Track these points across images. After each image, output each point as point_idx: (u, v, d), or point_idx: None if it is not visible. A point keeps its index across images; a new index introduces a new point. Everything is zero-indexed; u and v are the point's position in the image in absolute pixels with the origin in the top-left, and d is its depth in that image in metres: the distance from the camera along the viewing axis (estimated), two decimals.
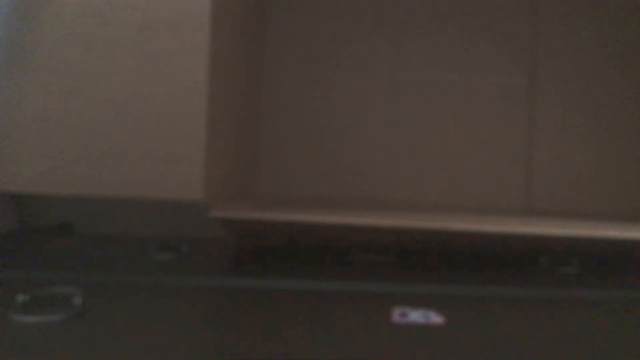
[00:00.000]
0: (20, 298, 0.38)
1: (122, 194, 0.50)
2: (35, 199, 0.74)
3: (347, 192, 0.80)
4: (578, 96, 0.81)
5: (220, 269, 0.58)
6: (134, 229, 0.74)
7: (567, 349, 0.34)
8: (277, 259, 0.60)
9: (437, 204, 0.80)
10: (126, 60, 0.50)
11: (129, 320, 0.37)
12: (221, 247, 0.66)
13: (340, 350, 0.32)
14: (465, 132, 0.81)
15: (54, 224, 0.73)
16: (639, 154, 0.81)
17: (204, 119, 0.50)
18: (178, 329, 0.36)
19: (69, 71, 0.50)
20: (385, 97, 0.82)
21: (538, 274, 0.57)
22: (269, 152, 0.81)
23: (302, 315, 0.40)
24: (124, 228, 0.74)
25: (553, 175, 0.81)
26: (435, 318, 0.39)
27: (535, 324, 0.40)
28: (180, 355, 0.31)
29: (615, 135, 0.81)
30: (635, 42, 0.81)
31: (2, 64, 0.50)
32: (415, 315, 0.39)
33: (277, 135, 0.81)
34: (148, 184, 0.50)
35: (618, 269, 0.61)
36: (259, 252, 0.64)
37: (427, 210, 0.74)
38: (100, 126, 0.50)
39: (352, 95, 0.82)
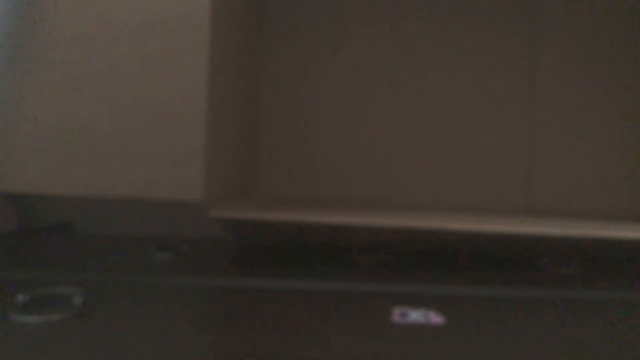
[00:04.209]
0: (20, 298, 0.38)
1: (122, 194, 0.50)
2: (35, 199, 0.74)
3: (347, 192, 0.80)
4: (578, 96, 0.81)
5: (220, 269, 0.58)
6: (134, 229, 0.74)
7: (567, 349, 0.34)
8: (277, 259, 0.60)
9: (437, 204, 0.80)
10: (126, 60, 0.50)
11: (129, 320, 0.37)
12: (221, 247, 0.66)
13: (340, 350, 0.32)
14: (466, 132, 0.81)
15: (54, 224, 0.73)
16: (639, 154, 0.81)
17: (203, 119, 0.50)
18: (178, 328, 0.36)
19: (69, 71, 0.50)
20: (385, 98, 0.82)
21: (538, 274, 0.57)
22: (269, 153, 0.81)
23: (302, 315, 0.40)
24: (124, 228, 0.74)
25: (553, 175, 0.81)
26: (435, 318, 0.39)
27: (536, 324, 0.40)
28: (180, 355, 0.31)
29: (615, 136, 0.81)
30: (635, 42, 0.81)
31: (2, 64, 0.50)
32: (415, 315, 0.40)
33: (277, 136, 0.81)
34: (148, 184, 0.50)
35: (618, 269, 0.61)
36: (259, 252, 0.64)
37: (427, 210, 0.74)
38: (100, 126, 0.50)
39: (353, 96, 0.82)
